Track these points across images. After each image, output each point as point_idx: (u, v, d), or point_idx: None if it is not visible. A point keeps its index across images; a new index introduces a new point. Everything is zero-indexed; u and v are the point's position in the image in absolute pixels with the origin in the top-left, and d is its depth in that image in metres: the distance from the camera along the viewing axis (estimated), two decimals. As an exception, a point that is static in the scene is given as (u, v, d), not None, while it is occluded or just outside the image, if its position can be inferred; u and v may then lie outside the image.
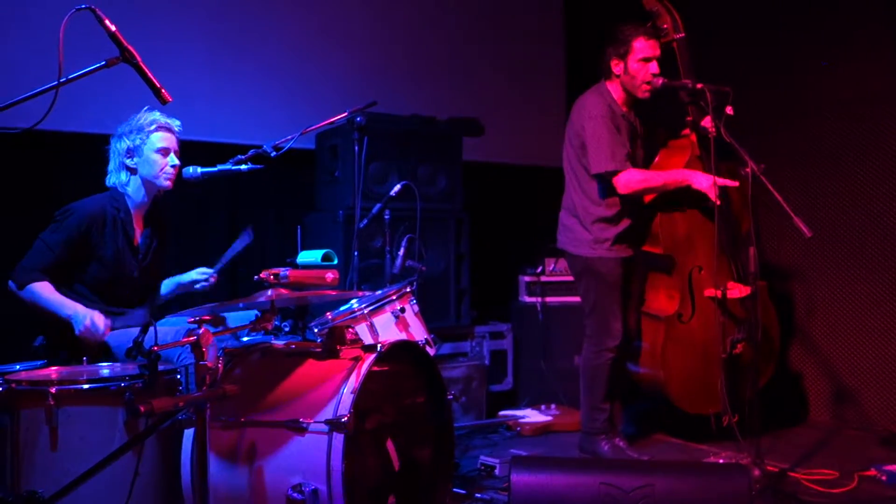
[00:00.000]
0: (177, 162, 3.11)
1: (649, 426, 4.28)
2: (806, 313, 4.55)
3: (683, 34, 3.84)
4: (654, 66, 3.63)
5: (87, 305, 2.95)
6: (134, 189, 3.11)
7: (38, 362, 2.86)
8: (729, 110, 3.40)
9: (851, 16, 4.32)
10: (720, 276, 3.80)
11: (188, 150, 3.24)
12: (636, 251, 3.83)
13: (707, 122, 3.71)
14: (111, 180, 3.10)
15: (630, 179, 3.60)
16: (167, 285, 3.35)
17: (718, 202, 3.52)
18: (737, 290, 3.73)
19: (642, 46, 3.61)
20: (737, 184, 3.55)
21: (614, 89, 3.73)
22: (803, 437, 4.13)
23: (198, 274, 3.31)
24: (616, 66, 3.68)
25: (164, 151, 3.09)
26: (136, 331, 2.22)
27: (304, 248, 4.37)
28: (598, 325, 3.75)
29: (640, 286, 3.98)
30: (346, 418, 2.28)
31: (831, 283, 4.45)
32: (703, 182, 3.60)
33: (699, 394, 3.87)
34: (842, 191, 4.38)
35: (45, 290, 2.88)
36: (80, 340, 2.86)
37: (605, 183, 3.66)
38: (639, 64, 3.62)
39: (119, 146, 3.08)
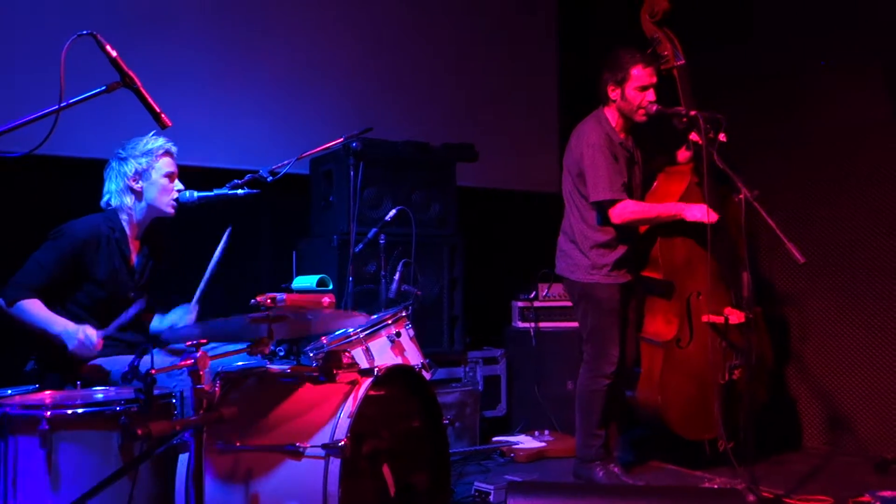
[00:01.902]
0: (181, 187, 3.13)
1: (645, 453, 4.25)
2: (800, 339, 4.57)
3: (684, 61, 3.86)
4: (650, 94, 3.64)
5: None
6: (136, 212, 3.11)
7: (31, 387, 2.84)
8: (722, 137, 3.44)
9: (845, 46, 4.39)
10: (718, 301, 3.81)
11: (183, 175, 3.25)
12: (634, 277, 3.83)
13: (693, 136, 3.72)
14: (113, 201, 3.09)
15: (624, 210, 3.62)
16: (157, 325, 3.25)
17: (709, 225, 3.53)
18: (734, 316, 3.74)
19: (639, 74, 3.62)
20: (716, 219, 3.57)
21: (612, 115, 3.74)
22: (798, 463, 4.13)
23: (178, 316, 3.17)
24: (613, 92, 3.69)
25: (171, 176, 3.13)
26: (130, 356, 2.21)
27: (298, 274, 4.38)
28: (595, 351, 3.74)
29: (639, 311, 3.98)
30: (342, 443, 2.27)
31: (826, 310, 4.47)
32: (696, 213, 3.64)
33: (697, 419, 3.87)
34: (836, 217, 4.42)
35: (34, 308, 2.86)
36: (71, 360, 2.84)
37: (602, 211, 3.68)
38: (635, 91, 3.63)
39: (125, 169, 3.08)
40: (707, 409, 3.81)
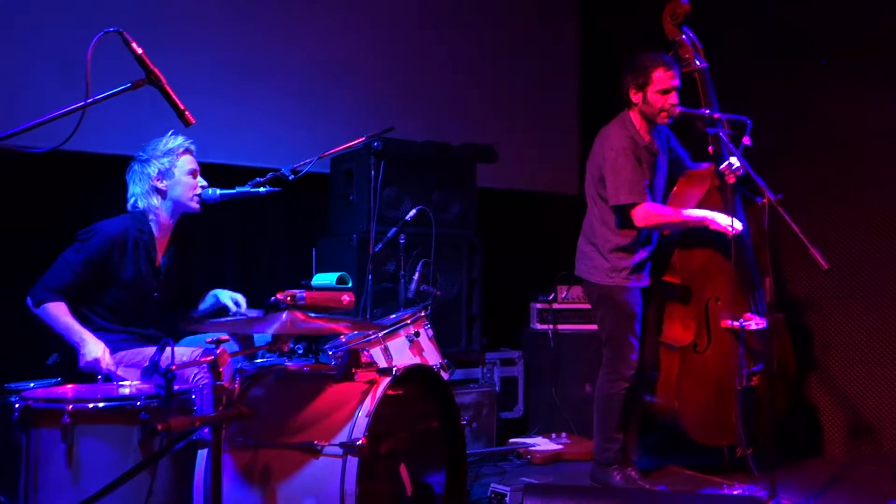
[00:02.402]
0: (204, 183, 3.16)
1: (664, 458, 4.22)
2: (823, 346, 4.52)
3: (706, 64, 3.83)
4: (673, 97, 3.61)
5: (104, 326, 2.97)
6: (164, 211, 3.13)
7: (53, 380, 2.88)
8: (746, 140, 3.40)
9: (868, 49, 4.34)
10: (738, 307, 3.78)
11: (204, 172, 3.28)
12: (654, 281, 3.81)
13: (725, 167, 3.67)
14: (140, 203, 3.12)
15: (648, 213, 3.60)
16: (209, 299, 3.34)
17: (731, 235, 3.55)
18: (753, 322, 3.72)
19: (661, 77, 3.60)
20: (739, 230, 3.59)
21: (636, 118, 3.72)
22: (818, 471, 4.08)
23: (234, 305, 3.28)
24: (635, 96, 3.67)
25: (194, 173, 3.17)
26: (152, 350, 2.23)
27: (317, 272, 4.39)
28: (613, 354, 3.73)
29: (658, 316, 3.95)
30: (360, 442, 2.27)
31: (848, 316, 4.41)
32: (722, 223, 3.61)
33: (714, 425, 3.84)
34: (859, 223, 4.37)
35: (58, 312, 2.90)
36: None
37: (623, 214, 3.65)
38: (657, 95, 3.62)
39: (148, 170, 3.11)
40: (725, 415, 3.77)
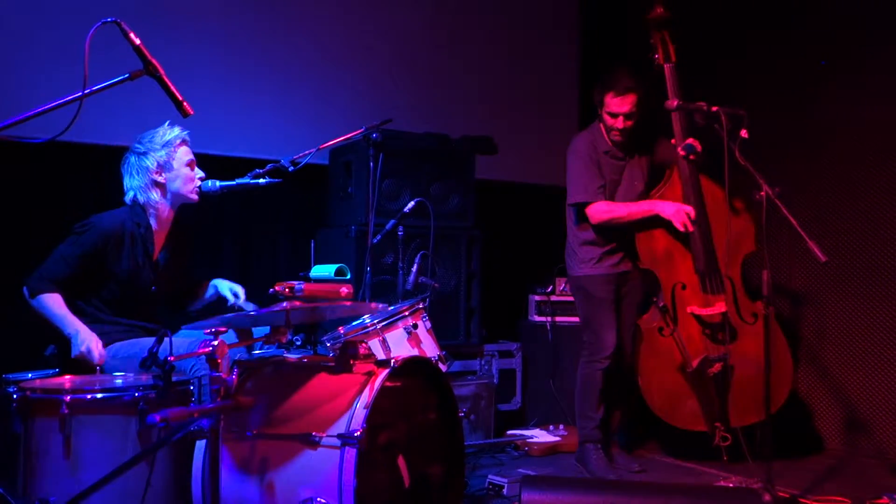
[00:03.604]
0: (202, 174, 3.15)
1: (662, 449, 4.33)
2: (819, 339, 4.53)
3: (673, 62, 3.91)
4: (619, 122, 3.82)
5: (100, 319, 2.97)
6: (163, 205, 3.12)
7: (51, 371, 2.87)
8: (744, 133, 3.39)
9: (868, 40, 4.34)
10: (707, 293, 3.89)
11: (202, 164, 3.27)
12: (631, 267, 4.01)
13: (682, 148, 3.80)
14: (139, 197, 3.09)
15: (597, 210, 3.87)
16: (209, 289, 3.34)
17: (683, 229, 3.75)
18: (712, 308, 3.84)
19: (611, 102, 3.81)
20: (690, 208, 3.79)
21: (603, 125, 3.94)
22: (815, 464, 4.10)
23: (233, 296, 3.27)
24: (598, 108, 3.92)
25: (192, 164, 3.15)
26: (150, 341, 2.23)
27: (315, 263, 4.38)
28: (589, 338, 3.99)
29: (638, 300, 4.09)
30: (358, 433, 2.27)
31: (844, 309, 4.42)
32: (668, 210, 3.80)
33: (681, 409, 3.95)
34: (855, 216, 4.37)
35: (53, 303, 2.90)
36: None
37: (580, 212, 3.94)
38: (607, 116, 3.85)
39: (146, 163, 3.07)
40: (692, 400, 3.91)
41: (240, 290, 3.30)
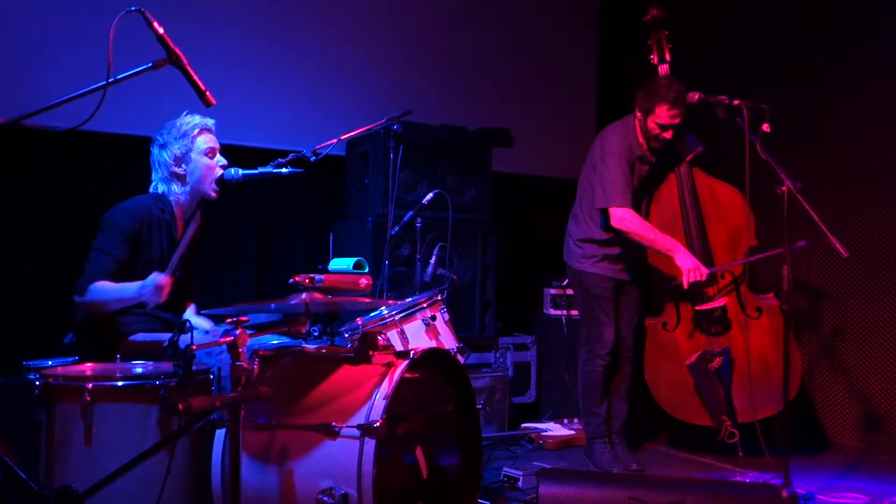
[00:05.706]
0: (224, 161, 3.11)
1: (677, 445, 4.31)
2: (836, 336, 4.50)
3: (668, 62, 3.95)
4: (669, 133, 3.76)
5: (126, 309, 2.93)
6: (182, 198, 3.07)
7: (71, 359, 2.89)
8: (766, 127, 3.37)
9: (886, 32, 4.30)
10: (709, 290, 3.91)
11: (223, 154, 3.25)
12: (631, 277, 3.96)
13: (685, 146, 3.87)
14: (160, 189, 3.06)
15: (624, 218, 3.74)
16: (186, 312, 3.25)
17: (685, 286, 3.70)
18: (712, 303, 3.87)
19: (663, 113, 3.71)
20: (706, 271, 3.70)
21: (638, 127, 3.86)
22: (832, 461, 4.09)
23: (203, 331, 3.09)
24: (639, 113, 3.81)
25: (212, 153, 3.08)
26: (163, 338, 2.22)
27: (334, 255, 4.39)
28: (589, 333, 3.96)
29: (641, 301, 4.06)
30: (378, 423, 2.28)
31: (861, 306, 4.40)
32: (686, 263, 3.70)
33: (687, 404, 3.96)
34: (874, 210, 4.34)
35: (104, 286, 2.81)
36: (110, 335, 2.88)
37: (604, 213, 3.83)
38: (655, 126, 3.75)
39: (165, 156, 3.03)
40: (697, 395, 3.91)
41: (209, 326, 3.13)
